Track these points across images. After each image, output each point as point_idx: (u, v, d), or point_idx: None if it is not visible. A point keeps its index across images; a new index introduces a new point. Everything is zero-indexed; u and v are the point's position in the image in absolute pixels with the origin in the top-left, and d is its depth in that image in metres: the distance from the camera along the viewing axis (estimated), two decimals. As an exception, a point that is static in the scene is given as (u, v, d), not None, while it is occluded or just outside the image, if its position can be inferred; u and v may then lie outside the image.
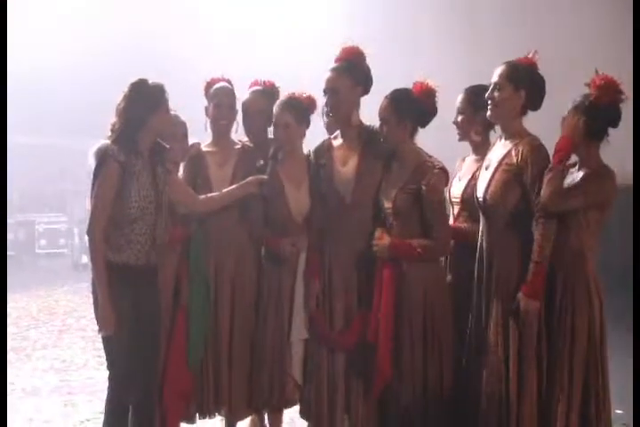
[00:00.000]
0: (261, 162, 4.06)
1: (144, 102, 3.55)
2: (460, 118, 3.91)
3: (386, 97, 3.78)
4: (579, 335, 3.41)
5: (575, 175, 3.48)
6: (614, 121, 3.46)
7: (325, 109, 3.92)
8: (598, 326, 3.43)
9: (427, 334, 3.67)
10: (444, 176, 3.72)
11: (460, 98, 3.92)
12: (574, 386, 3.40)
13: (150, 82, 3.61)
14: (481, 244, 3.63)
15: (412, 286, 3.68)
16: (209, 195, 3.97)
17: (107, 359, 3.68)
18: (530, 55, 3.60)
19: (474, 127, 3.87)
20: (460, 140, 3.96)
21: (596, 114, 3.40)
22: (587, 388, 3.40)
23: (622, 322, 4.57)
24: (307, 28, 11.15)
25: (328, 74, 3.89)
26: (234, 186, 3.99)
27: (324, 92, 3.89)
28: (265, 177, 3.98)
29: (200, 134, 4.25)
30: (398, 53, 9.17)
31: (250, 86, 4.30)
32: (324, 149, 4.00)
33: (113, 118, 3.59)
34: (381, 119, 3.77)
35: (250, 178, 3.98)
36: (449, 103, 3.92)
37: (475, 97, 3.80)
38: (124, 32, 12.17)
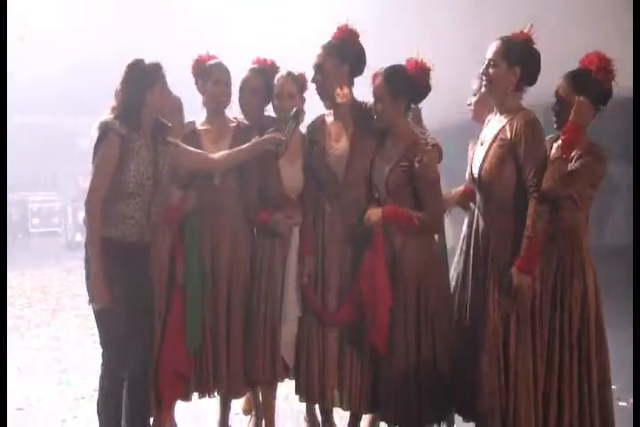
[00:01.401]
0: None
1: (140, 79, 3.55)
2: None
3: (380, 74, 3.76)
4: (574, 310, 3.45)
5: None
6: (608, 99, 3.51)
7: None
8: (593, 301, 3.46)
9: (420, 316, 3.67)
10: (438, 153, 3.70)
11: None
12: (572, 359, 3.43)
13: (146, 61, 3.60)
14: (476, 221, 3.63)
15: (407, 266, 3.67)
16: (224, 152, 3.91)
17: (99, 335, 3.67)
18: (525, 29, 3.57)
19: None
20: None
21: (595, 92, 3.43)
22: (582, 361, 3.44)
23: (622, 301, 4.60)
24: (307, 28, 11.11)
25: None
26: (251, 142, 3.90)
27: (313, 67, 3.91)
28: (283, 136, 3.86)
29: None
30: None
31: (252, 64, 4.27)
32: (318, 125, 4.00)
33: (112, 102, 3.59)
34: (376, 97, 3.75)
35: (268, 135, 3.90)
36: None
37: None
38: (124, 32, 12.11)
